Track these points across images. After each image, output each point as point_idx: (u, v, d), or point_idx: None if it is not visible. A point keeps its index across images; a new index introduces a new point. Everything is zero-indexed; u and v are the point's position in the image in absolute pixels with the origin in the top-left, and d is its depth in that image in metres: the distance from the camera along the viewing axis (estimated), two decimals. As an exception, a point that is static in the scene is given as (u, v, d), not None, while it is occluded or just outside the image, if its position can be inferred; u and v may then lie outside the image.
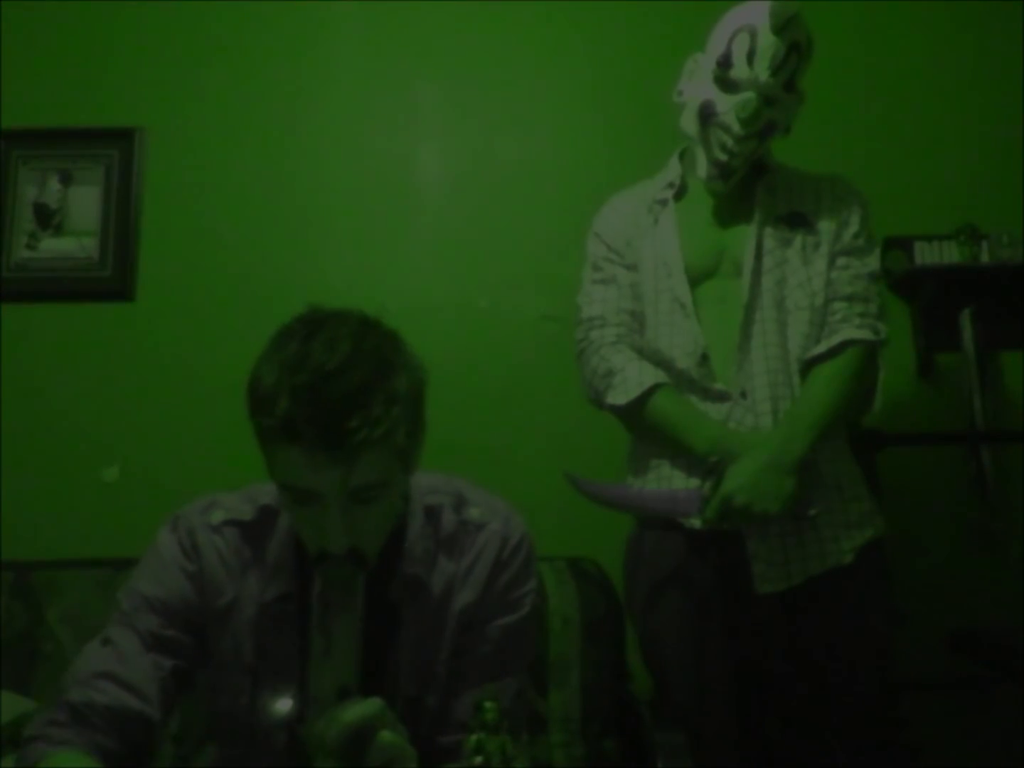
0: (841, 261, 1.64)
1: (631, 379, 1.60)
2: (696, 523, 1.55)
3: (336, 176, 2.39)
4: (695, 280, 1.64)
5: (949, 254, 2.26)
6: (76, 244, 2.35)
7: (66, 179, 2.38)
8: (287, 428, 0.95)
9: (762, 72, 1.56)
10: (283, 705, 0.83)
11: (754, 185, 1.68)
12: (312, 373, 0.96)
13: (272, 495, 1.14)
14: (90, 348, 2.30)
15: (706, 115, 1.61)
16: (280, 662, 1.08)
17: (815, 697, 1.55)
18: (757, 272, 1.62)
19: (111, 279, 2.33)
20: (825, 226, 1.65)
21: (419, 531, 1.14)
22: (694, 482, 1.56)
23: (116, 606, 1.12)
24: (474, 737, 0.83)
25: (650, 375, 1.60)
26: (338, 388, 0.95)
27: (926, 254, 2.27)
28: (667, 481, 1.61)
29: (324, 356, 0.97)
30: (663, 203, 1.71)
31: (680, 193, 1.72)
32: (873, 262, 1.66)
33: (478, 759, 0.82)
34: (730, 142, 1.60)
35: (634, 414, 1.61)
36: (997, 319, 2.24)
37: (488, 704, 0.84)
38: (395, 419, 0.98)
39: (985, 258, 2.24)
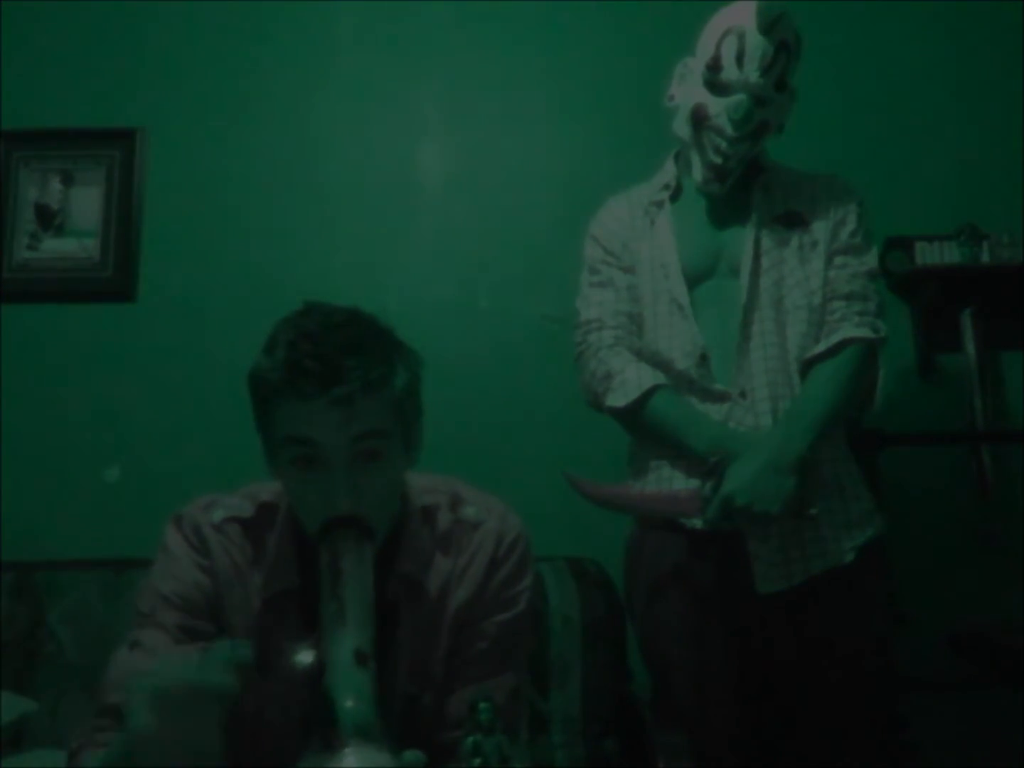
0: (838, 260, 1.64)
1: (630, 381, 1.60)
2: (697, 523, 1.55)
3: (336, 176, 2.39)
4: (692, 281, 1.64)
5: (950, 254, 2.25)
6: (77, 245, 2.35)
7: (67, 180, 2.38)
8: (289, 372, 0.99)
9: (752, 73, 1.56)
10: (305, 657, 0.81)
11: (750, 185, 1.68)
12: (313, 327, 1.02)
13: (271, 492, 1.14)
14: (91, 348, 2.30)
15: (698, 119, 1.61)
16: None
17: (816, 697, 1.54)
18: (755, 272, 1.62)
19: (112, 280, 2.34)
20: (822, 225, 1.65)
21: (415, 530, 1.14)
22: (694, 483, 1.56)
23: (135, 612, 1.11)
24: (470, 739, 0.83)
25: (649, 377, 1.60)
26: (337, 337, 1.01)
27: (927, 254, 2.27)
28: (668, 482, 1.61)
29: (322, 318, 1.03)
30: (659, 205, 1.71)
31: (676, 195, 1.72)
32: (871, 260, 1.66)
33: (476, 761, 0.82)
34: (724, 145, 1.60)
35: (634, 416, 1.61)
36: (997, 319, 2.24)
37: (482, 704, 0.83)
38: (392, 369, 1.03)
39: (986, 258, 2.24)
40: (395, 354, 1.05)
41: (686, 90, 1.64)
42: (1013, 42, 2.39)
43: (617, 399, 1.61)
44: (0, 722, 1.66)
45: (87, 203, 2.37)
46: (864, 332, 1.59)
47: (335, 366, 0.98)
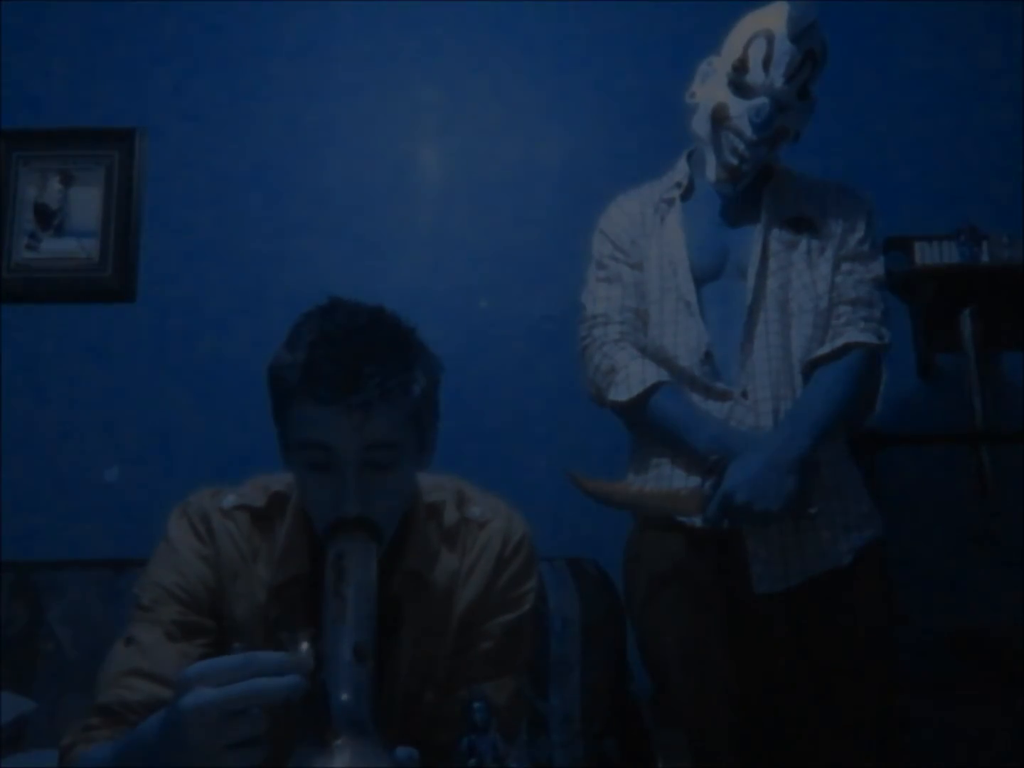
0: (846, 266, 1.64)
1: (634, 376, 1.61)
2: (696, 522, 1.55)
3: (336, 176, 2.39)
4: (700, 280, 1.64)
5: (949, 254, 2.25)
6: (77, 244, 2.35)
7: (67, 179, 2.38)
8: (306, 375, 0.98)
9: (777, 78, 1.57)
10: (303, 650, 0.81)
11: (761, 188, 1.69)
12: (334, 329, 1.01)
13: (282, 483, 1.14)
14: (90, 348, 2.31)
15: (718, 118, 1.61)
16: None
17: (815, 697, 1.54)
18: (762, 274, 1.62)
19: (111, 279, 2.34)
20: (831, 231, 1.66)
21: (421, 527, 1.14)
22: (695, 481, 1.56)
23: (135, 603, 1.10)
24: (465, 739, 0.83)
25: (653, 372, 1.60)
26: (358, 341, 1.00)
27: (926, 254, 2.26)
28: (668, 480, 1.61)
29: (345, 320, 1.02)
30: (669, 203, 1.72)
31: (687, 193, 1.73)
32: (877, 268, 1.67)
33: (471, 761, 0.82)
34: (741, 146, 1.60)
35: (636, 411, 1.62)
36: (997, 319, 2.24)
37: (477, 704, 0.83)
38: (411, 377, 1.02)
39: (985, 258, 2.24)
40: (415, 360, 1.04)
41: (708, 89, 1.64)
42: (1013, 42, 2.39)
43: (620, 393, 1.61)
44: (0, 722, 1.66)
45: (87, 203, 2.37)
46: (868, 337, 1.59)
47: (353, 373, 0.97)
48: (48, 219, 2.36)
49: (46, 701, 1.78)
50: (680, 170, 1.75)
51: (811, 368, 1.60)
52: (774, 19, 1.58)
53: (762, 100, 1.58)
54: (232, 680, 0.74)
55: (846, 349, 1.58)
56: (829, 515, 1.55)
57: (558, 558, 1.92)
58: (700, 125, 1.66)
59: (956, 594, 2.15)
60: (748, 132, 1.59)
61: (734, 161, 1.62)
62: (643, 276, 1.68)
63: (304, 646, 0.80)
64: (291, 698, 0.75)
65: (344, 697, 0.78)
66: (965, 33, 2.43)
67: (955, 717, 2.07)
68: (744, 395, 1.58)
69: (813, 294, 1.62)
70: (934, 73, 2.42)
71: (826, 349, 1.59)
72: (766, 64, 1.57)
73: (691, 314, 1.62)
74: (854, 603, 1.55)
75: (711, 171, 1.65)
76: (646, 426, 1.63)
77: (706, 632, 1.56)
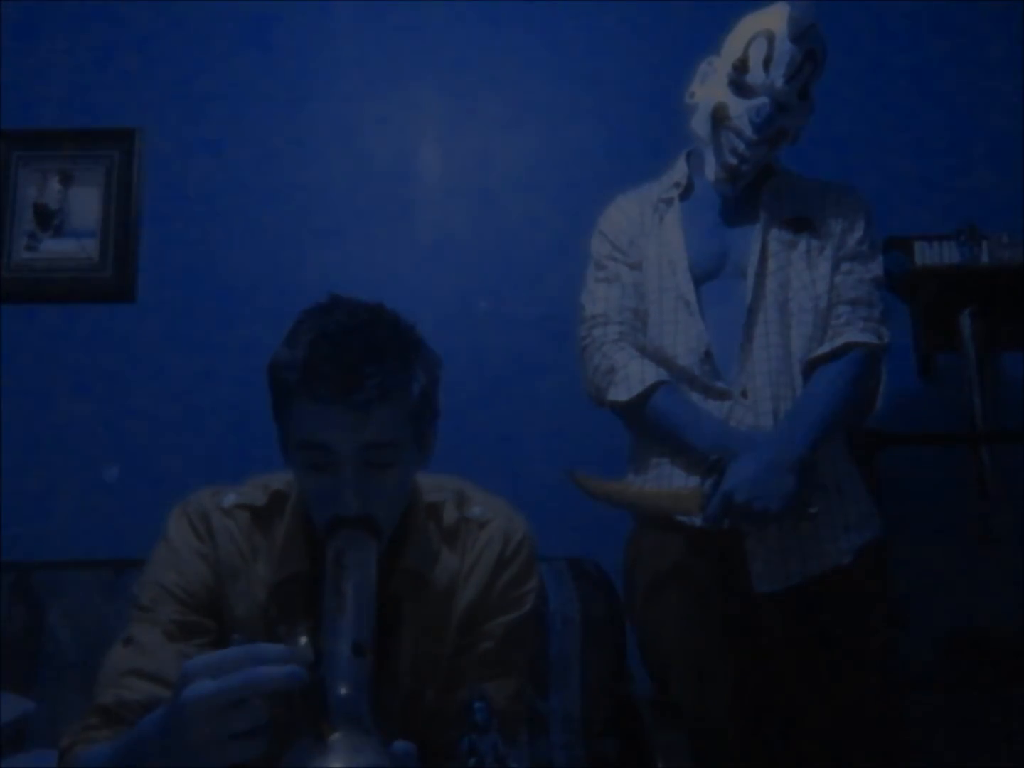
0: (845, 266, 1.65)
1: (633, 376, 1.61)
2: (696, 521, 1.55)
3: (336, 176, 2.39)
4: (699, 280, 1.64)
5: (949, 254, 2.25)
6: (76, 245, 2.35)
7: (66, 180, 2.38)
8: (306, 374, 0.98)
9: (778, 79, 1.57)
10: (302, 645, 0.81)
11: (760, 188, 1.69)
12: (334, 327, 1.01)
13: (282, 482, 1.14)
14: (90, 349, 2.30)
15: (719, 118, 1.62)
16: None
17: (815, 697, 1.55)
18: (761, 274, 1.63)
19: (111, 280, 2.34)
20: (830, 231, 1.66)
21: (421, 527, 1.14)
22: (695, 480, 1.56)
23: (134, 603, 1.10)
24: (466, 739, 0.83)
25: (652, 372, 1.60)
26: (358, 341, 1.00)
27: (926, 254, 2.26)
28: (668, 479, 1.61)
29: (345, 318, 1.02)
30: (668, 202, 1.72)
31: (686, 193, 1.73)
32: (876, 268, 1.67)
33: (472, 761, 0.82)
34: (742, 146, 1.60)
35: (635, 411, 1.62)
36: (997, 319, 2.24)
37: (478, 704, 0.84)
38: (411, 376, 1.02)
39: (985, 258, 2.23)
40: (415, 358, 1.04)
41: (708, 88, 1.65)
42: (1013, 42, 2.39)
43: (619, 393, 1.61)
44: (0, 722, 1.66)
45: (86, 203, 2.37)
46: (868, 337, 1.60)
47: (353, 372, 0.97)
48: (48, 219, 2.36)
49: (46, 701, 1.78)
50: (679, 170, 1.75)
51: (811, 368, 1.60)
52: (775, 19, 1.58)
53: (762, 100, 1.58)
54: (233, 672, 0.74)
55: (846, 349, 1.59)
56: (829, 515, 1.55)
57: (558, 558, 1.92)
58: (700, 125, 1.66)
59: (956, 594, 2.14)
60: (748, 132, 1.59)
61: (734, 161, 1.62)
62: (642, 276, 1.69)
63: (303, 639, 0.80)
64: (291, 688, 0.75)
65: (342, 691, 0.78)
66: (965, 33, 2.43)
67: (955, 717, 2.08)
68: (744, 395, 1.58)
69: (812, 294, 1.63)
70: (934, 73, 2.42)
71: (826, 348, 1.60)
72: (767, 64, 1.57)
73: (690, 313, 1.62)
74: (854, 603, 1.55)
75: (711, 171, 1.66)
76: (646, 426, 1.64)
77: (706, 632, 1.56)
